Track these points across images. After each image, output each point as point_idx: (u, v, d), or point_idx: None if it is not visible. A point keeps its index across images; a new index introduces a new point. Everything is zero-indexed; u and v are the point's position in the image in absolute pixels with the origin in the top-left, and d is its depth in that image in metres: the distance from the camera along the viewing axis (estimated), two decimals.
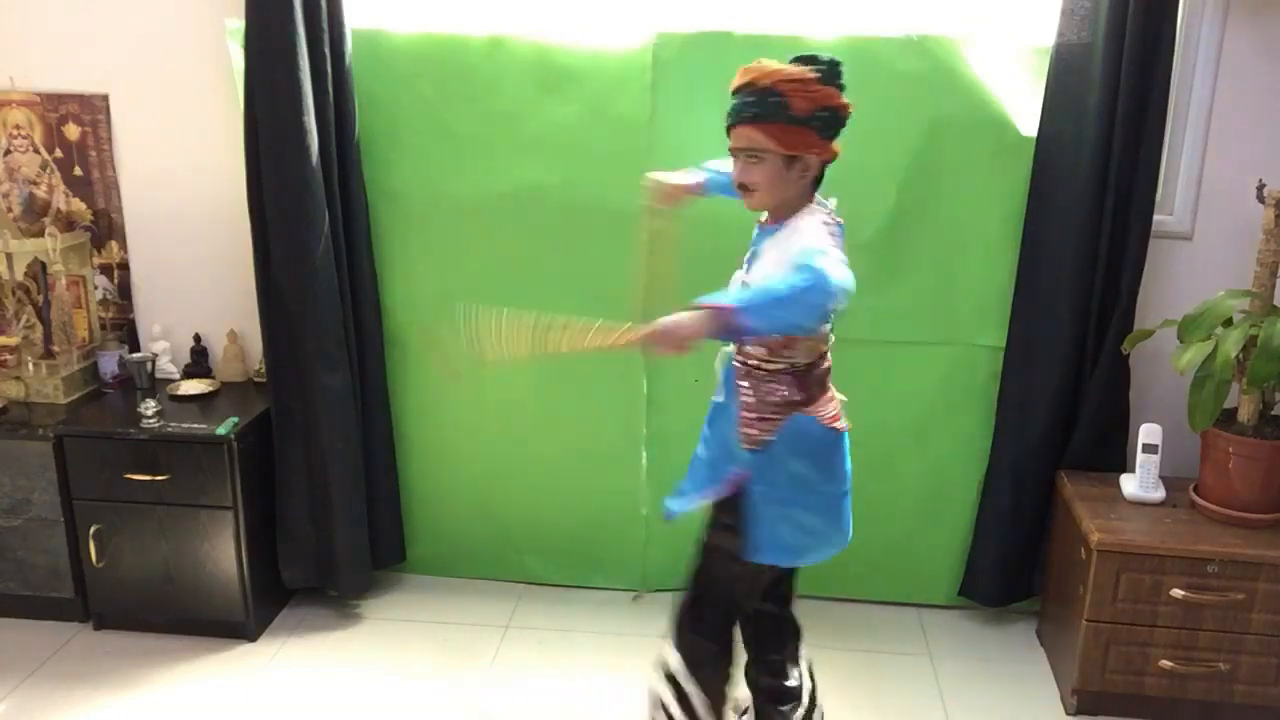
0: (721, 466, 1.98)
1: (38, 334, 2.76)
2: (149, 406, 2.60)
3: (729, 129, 1.88)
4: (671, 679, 2.05)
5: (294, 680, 2.53)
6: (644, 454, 2.80)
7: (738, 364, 1.96)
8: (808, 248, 1.79)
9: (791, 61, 1.83)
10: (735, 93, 1.86)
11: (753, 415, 1.93)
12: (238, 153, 2.50)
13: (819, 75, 1.83)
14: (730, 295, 1.83)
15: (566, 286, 2.68)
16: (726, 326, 1.73)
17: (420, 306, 2.75)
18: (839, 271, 1.74)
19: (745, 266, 1.98)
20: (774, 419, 1.92)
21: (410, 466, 2.88)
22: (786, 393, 1.92)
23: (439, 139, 2.61)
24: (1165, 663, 2.33)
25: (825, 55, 1.86)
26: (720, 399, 2.02)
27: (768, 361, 1.92)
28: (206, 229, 2.82)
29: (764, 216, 1.98)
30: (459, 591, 2.91)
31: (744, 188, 1.89)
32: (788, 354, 1.91)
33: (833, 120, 1.88)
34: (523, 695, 2.48)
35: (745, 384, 1.94)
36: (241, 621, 2.65)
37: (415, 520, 2.92)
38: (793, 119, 1.82)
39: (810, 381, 1.94)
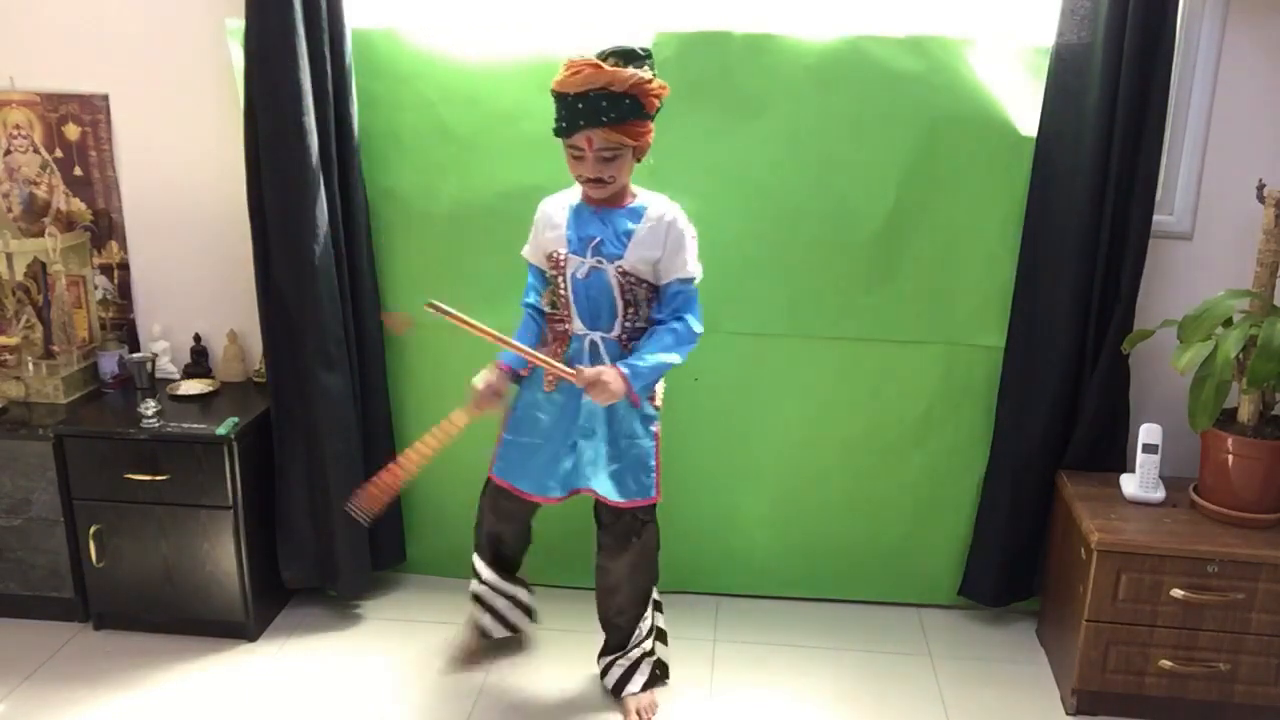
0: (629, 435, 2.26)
1: (38, 334, 2.76)
2: (149, 406, 2.60)
3: (574, 130, 2.06)
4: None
5: (294, 680, 2.53)
6: None
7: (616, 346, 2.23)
8: (689, 279, 2.19)
9: (609, 56, 2.04)
10: (581, 96, 2.02)
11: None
12: (238, 153, 2.50)
13: (654, 71, 2.08)
14: (634, 373, 2.14)
15: None
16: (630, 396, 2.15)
17: (420, 306, 2.75)
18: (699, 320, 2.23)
19: (594, 250, 2.16)
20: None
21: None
22: None
23: (439, 139, 2.61)
24: (1165, 663, 2.33)
25: (637, 46, 2.07)
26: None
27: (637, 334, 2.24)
28: (206, 229, 2.82)
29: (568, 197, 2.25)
30: (459, 591, 2.90)
31: (600, 183, 2.11)
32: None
33: (660, 108, 2.12)
34: (522, 695, 2.48)
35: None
36: (241, 621, 2.65)
37: (415, 520, 2.92)
38: (644, 116, 2.07)
39: None
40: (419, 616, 2.80)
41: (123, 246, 2.87)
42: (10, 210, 2.86)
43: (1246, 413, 2.37)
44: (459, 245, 2.69)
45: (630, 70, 2.03)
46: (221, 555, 2.58)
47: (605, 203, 2.19)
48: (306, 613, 2.80)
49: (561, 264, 2.19)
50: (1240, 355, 2.25)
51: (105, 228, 2.86)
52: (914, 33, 2.47)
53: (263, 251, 2.55)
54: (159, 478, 2.53)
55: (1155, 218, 2.50)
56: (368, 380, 2.71)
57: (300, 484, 2.68)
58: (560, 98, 2.07)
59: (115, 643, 2.66)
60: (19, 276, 2.73)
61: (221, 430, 2.52)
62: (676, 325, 2.19)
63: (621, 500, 2.26)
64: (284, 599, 2.83)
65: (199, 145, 2.75)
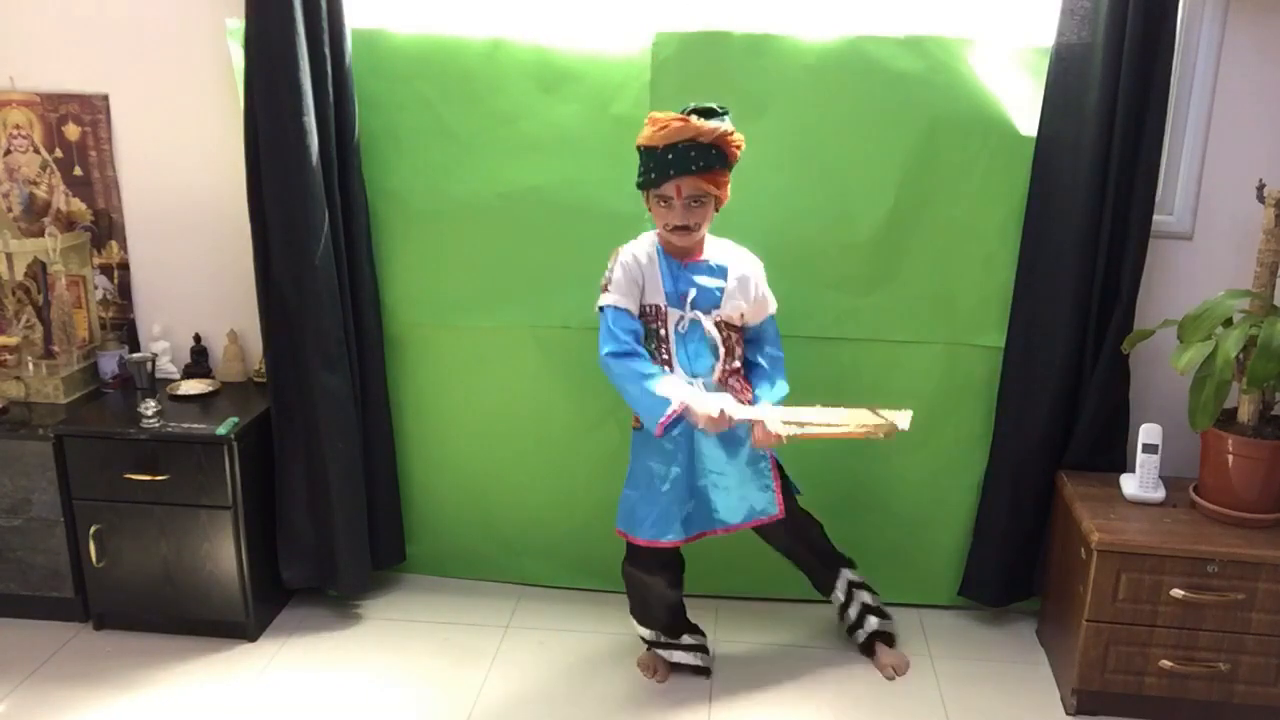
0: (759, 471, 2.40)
1: (38, 334, 2.76)
2: (149, 406, 2.60)
3: (664, 179, 2.18)
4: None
5: (294, 680, 2.53)
6: None
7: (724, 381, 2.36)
8: (773, 314, 2.43)
9: (690, 113, 2.17)
10: (671, 147, 2.16)
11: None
12: (238, 153, 2.50)
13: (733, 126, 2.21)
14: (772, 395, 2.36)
15: (566, 287, 2.68)
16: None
17: (420, 306, 2.75)
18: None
19: (688, 303, 2.30)
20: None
21: (410, 466, 2.88)
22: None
23: (439, 139, 2.61)
24: (1165, 663, 2.33)
25: (715, 105, 2.22)
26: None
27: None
28: (206, 229, 2.82)
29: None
30: (459, 591, 2.92)
31: (687, 229, 2.24)
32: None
33: (738, 160, 2.25)
34: (523, 695, 2.48)
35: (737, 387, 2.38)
36: (241, 621, 2.65)
37: (415, 520, 2.92)
38: (726, 166, 2.22)
39: None
40: (419, 616, 2.80)
41: (123, 246, 2.87)
42: (10, 210, 2.86)
43: (1246, 413, 2.37)
44: (459, 245, 2.69)
45: (714, 123, 2.17)
46: (221, 555, 2.58)
47: (686, 254, 2.32)
48: (306, 613, 2.80)
49: (663, 316, 2.31)
50: (1240, 355, 2.25)
51: (105, 228, 2.86)
52: (914, 33, 2.47)
53: (263, 251, 2.55)
54: (159, 478, 2.53)
55: (1155, 218, 2.50)
56: (368, 380, 2.71)
57: (300, 484, 2.68)
58: (649, 151, 2.20)
59: (115, 643, 2.66)
60: (19, 276, 2.73)
61: (221, 430, 2.52)
62: (778, 354, 2.42)
63: (748, 523, 2.40)
64: (284, 599, 2.83)
65: (199, 145, 2.75)
